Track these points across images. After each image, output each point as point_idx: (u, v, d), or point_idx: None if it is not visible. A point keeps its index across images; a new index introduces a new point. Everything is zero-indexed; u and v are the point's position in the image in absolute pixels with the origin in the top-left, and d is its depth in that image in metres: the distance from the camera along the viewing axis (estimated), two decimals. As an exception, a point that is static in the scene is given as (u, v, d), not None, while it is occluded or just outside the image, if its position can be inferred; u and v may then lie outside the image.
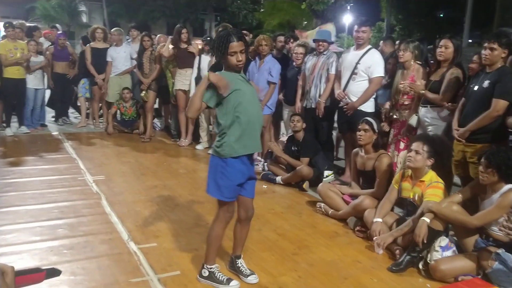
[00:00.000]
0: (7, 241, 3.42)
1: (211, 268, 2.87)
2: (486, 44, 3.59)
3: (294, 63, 5.83)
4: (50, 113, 8.74)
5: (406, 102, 4.61)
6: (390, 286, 3.01)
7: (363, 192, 4.08)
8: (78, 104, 8.72)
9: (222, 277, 2.84)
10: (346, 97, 5.07)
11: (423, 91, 4.30)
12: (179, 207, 4.34)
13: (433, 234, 3.15)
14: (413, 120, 4.44)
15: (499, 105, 3.48)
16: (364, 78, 4.98)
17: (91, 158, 6.04)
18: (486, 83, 3.59)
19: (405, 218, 3.52)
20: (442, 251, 3.14)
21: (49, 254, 3.24)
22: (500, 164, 2.99)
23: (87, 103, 8.45)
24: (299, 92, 5.64)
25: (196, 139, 7.08)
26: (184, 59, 6.80)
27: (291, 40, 6.19)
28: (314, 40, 5.64)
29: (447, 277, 3.02)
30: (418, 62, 4.60)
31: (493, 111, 3.51)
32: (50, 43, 8.53)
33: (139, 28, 8.42)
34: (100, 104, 8.34)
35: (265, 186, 5.15)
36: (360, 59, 4.99)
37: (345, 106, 5.02)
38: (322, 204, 4.32)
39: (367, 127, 4.08)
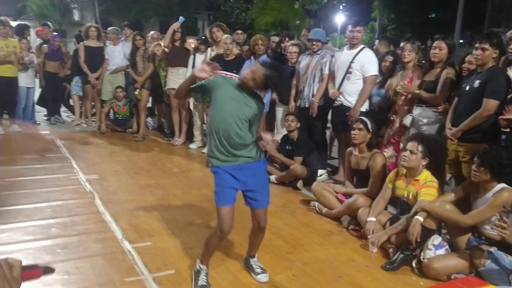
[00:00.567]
0: (0, 241, 3.39)
1: (200, 267, 2.85)
2: (477, 44, 3.63)
3: (288, 63, 5.84)
4: (42, 112, 8.68)
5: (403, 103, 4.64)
6: (384, 284, 3.03)
7: (357, 191, 4.10)
8: (71, 103, 8.67)
9: (201, 280, 2.80)
10: (340, 96, 5.09)
11: (418, 91, 4.33)
12: (173, 206, 4.33)
13: (426, 233, 3.18)
14: (407, 120, 4.47)
15: (489, 104, 3.52)
16: (359, 77, 5.00)
17: (84, 157, 6.00)
18: (477, 83, 3.63)
19: (399, 216, 3.55)
20: (435, 250, 3.17)
21: (43, 253, 3.21)
22: (492, 163, 3.02)
23: (80, 101, 8.40)
24: (293, 91, 5.65)
25: (189, 138, 7.06)
26: (176, 57, 6.78)
27: (286, 39, 6.20)
28: (308, 40, 5.66)
29: (440, 275, 3.05)
30: (417, 63, 4.64)
31: (484, 110, 3.55)
32: (41, 41, 8.46)
33: (132, 27, 8.38)
34: (93, 103, 8.30)
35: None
36: (354, 58, 5.00)
37: (348, 114, 4.98)
38: (316, 203, 4.34)
39: (361, 126, 4.09)
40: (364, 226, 3.64)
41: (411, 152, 3.47)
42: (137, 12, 27.71)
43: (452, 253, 3.20)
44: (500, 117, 3.50)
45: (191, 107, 7.07)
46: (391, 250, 3.37)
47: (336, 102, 5.15)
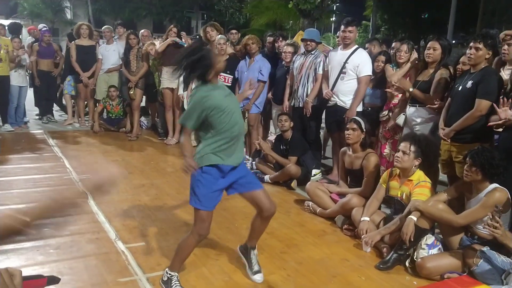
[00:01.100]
0: (-8, 241, 3.36)
1: (171, 275, 2.78)
2: (471, 44, 3.65)
3: (283, 62, 5.85)
4: (34, 111, 8.61)
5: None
6: (378, 283, 3.04)
7: (350, 190, 4.11)
8: (64, 102, 8.61)
9: (175, 286, 2.75)
10: (334, 96, 5.10)
11: (411, 89, 4.34)
12: (167, 206, 4.32)
13: (419, 232, 3.19)
14: (400, 119, 4.49)
15: (481, 105, 3.54)
16: (353, 77, 5.01)
17: (77, 157, 5.96)
18: (469, 84, 3.65)
19: (393, 216, 3.57)
20: (428, 249, 3.19)
21: (35, 253, 3.19)
22: (484, 163, 3.04)
23: (72, 101, 8.35)
24: (287, 91, 5.66)
25: (183, 137, 7.03)
26: (170, 56, 6.75)
27: (280, 39, 6.20)
28: (302, 40, 5.67)
29: (433, 275, 3.07)
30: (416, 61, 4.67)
31: (476, 111, 3.57)
32: (34, 39, 8.40)
33: (125, 25, 8.35)
34: (86, 102, 8.25)
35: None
36: (348, 58, 5.02)
37: (345, 116, 4.95)
38: (310, 203, 4.34)
39: (355, 126, 4.11)
40: (358, 225, 3.65)
41: (404, 152, 3.49)
42: (131, 11, 27.61)
43: (445, 253, 3.22)
44: (489, 124, 3.49)
45: (185, 106, 7.04)
46: (384, 249, 3.38)
47: (330, 102, 5.17)
